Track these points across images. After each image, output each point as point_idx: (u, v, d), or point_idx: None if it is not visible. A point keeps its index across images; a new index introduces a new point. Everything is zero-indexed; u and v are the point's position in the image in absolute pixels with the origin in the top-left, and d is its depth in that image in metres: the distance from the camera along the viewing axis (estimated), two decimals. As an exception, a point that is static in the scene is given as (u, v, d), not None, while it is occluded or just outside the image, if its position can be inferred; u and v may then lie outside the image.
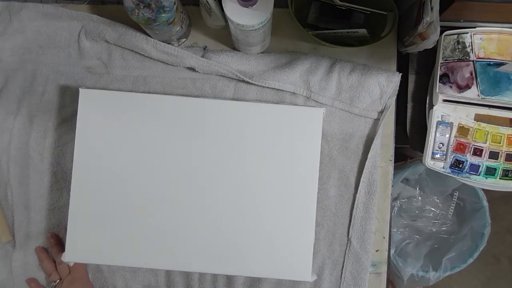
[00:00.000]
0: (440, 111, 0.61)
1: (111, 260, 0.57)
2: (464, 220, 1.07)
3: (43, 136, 0.62)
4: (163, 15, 0.52)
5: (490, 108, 0.61)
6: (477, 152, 0.61)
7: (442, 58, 0.60)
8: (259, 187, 0.57)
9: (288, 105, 0.61)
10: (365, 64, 0.63)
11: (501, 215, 1.32)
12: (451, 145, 0.61)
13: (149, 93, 0.61)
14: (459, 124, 0.61)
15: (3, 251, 0.62)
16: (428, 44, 0.54)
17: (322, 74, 0.61)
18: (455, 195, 1.08)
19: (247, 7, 0.49)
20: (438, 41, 0.57)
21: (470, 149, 0.61)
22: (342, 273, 0.61)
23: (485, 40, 0.59)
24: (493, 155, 0.61)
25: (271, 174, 0.57)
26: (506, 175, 0.61)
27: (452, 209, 1.09)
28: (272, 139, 0.57)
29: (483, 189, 1.02)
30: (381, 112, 0.62)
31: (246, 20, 0.50)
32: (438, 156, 0.61)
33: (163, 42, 0.60)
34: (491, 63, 0.59)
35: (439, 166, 0.61)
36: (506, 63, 0.58)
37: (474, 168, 0.61)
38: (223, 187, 0.56)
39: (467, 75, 0.59)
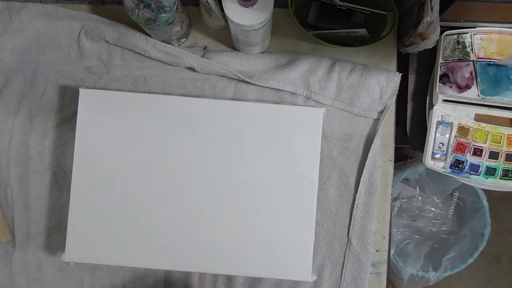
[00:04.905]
0: (440, 111, 0.61)
1: (111, 260, 0.57)
2: (464, 220, 1.07)
3: (43, 136, 0.62)
4: (163, 15, 0.52)
5: (490, 108, 0.61)
6: (477, 152, 0.61)
7: (442, 58, 0.60)
8: (259, 187, 0.57)
9: (288, 105, 0.61)
10: (365, 64, 0.63)
11: (501, 215, 1.32)
12: (451, 145, 0.61)
13: (149, 93, 0.61)
14: (459, 124, 0.61)
15: (3, 251, 0.62)
16: (428, 44, 0.54)
17: (322, 74, 0.61)
18: (455, 195, 1.07)
19: (247, 7, 0.49)
20: (438, 41, 0.57)
21: (470, 149, 0.61)
22: (342, 273, 0.61)
23: (485, 40, 0.59)
24: (493, 155, 0.61)
25: (271, 174, 0.57)
26: (506, 175, 0.61)
27: (452, 209, 1.09)
28: (272, 139, 0.57)
29: (483, 189, 1.02)
30: (381, 112, 0.62)
31: (246, 20, 0.50)
32: (438, 156, 0.61)
33: (163, 42, 0.60)
34: (491, 63, 0.59)
35: (439, 166, 0.61)
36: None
37: (474, 168, 0.61)
38: (223, 187, 0.57)
39: (467, 75, 0.59)
